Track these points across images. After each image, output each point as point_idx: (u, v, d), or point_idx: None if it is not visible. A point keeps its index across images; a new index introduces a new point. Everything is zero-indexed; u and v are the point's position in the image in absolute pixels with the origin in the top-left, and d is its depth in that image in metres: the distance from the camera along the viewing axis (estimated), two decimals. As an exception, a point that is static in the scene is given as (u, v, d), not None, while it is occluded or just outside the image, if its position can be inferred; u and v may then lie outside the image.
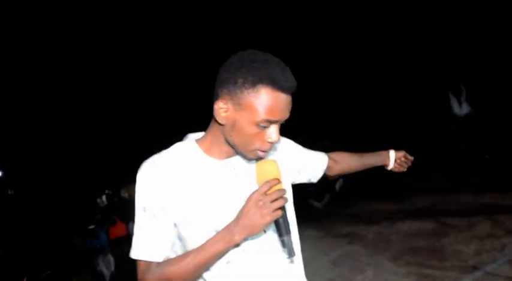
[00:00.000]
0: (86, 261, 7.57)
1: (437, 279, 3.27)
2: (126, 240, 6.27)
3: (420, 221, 4.86)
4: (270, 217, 0.94)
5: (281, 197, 0.95)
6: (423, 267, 3.59)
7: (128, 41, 9.52)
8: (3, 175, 11.48)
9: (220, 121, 1.00)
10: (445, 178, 6.44)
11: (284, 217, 0.98)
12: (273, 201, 0.94)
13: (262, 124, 0.96)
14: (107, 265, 7.32)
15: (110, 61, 9.84)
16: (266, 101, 0.95)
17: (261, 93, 0.94)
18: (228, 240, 0.97)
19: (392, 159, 1.49)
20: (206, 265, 1.00)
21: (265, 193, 0.95)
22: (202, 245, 1.00)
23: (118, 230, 7.17)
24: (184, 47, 10.86)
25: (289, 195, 1.18)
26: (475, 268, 3.27)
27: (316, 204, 7.90)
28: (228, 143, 1.04)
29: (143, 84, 10.94)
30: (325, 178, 5.18)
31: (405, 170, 1.53)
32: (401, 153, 1.51)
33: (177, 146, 1.11)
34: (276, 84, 0.94)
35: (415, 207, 5.48)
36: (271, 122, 0.97)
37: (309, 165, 1.34)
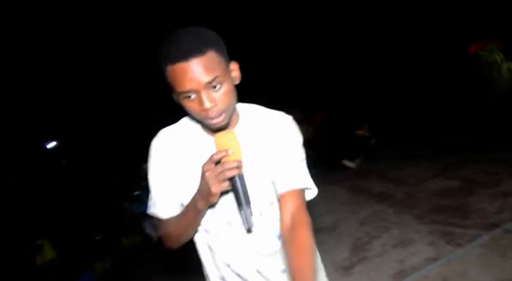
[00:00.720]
0: (134, 225, 8.17)
1: (457, 236, 3.42)
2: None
3: (448, 179, 4.93)
4: (218, 186, 1.00)
5: (232, 168, 0.99)
6: (446, 225, 3.74)
7: (128, 40, 9.64)
8: (58, 144, 12.16)
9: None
10: (474, 134, 6.34)
11: (237, 188, 1.02)
12: (223, 171, 0.99)
13: (185, 96, 0.99)
14: (153, 227, 7.93)
15: (112, 58, 10.00)
16: (172, 78, 0.98)
17: (167, 73, 0.98)
18: (194, 208, 1.10)
19: None
20: (189, 228, 1.18)
21: (217, 163, 1.00)
22: (182, 211, 1.19)
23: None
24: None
25: (257, 171, 1.17)
26: (495, 225, 3.39)
27: (349, 164, 8.02)
28: None
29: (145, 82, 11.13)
30: (356, 136, 5.35)
31: None
32: None
33: (184, 120, 1.25)
34: (169, 59, 0.96)
35: (445, 164, 5.50)
36: (190, 91, 0.98)
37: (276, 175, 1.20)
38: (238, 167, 1.00)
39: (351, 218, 4.99)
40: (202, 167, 1.02)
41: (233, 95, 1.06)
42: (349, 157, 8.13)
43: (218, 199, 1.12)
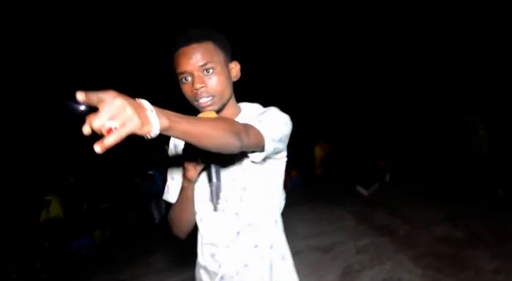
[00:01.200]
0: (141, 202, 8.35)
1: (447, 286, 3.41)
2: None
3: (454, 228, 4.88)
4: (188, 163, 1.19)
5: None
6: (439, 272, 3.73)
7: (130, 38, 9.83)
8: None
9: None
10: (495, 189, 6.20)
11: (210, 166, 1.13)
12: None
13: (182, 77, 1.16)
14: (158, 209, 8.11)
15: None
16: (176, 62, 1.16)
17: (173, 60, 1.18)
18: (182, 188, 1.28)
19: None
20: (183, 212, 1.32)
21: None
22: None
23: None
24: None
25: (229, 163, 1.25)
26: (488, 284, 3.36)
27: (362, 191, 7.98)
28: None
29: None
30: (376, 166, 5.33)
31: None
32: None
33: None
34: (175, 46, 1.17)
35: (455, 213, 5.44)
36: (185, 73, 1.15)
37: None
38: None
39: (348, 244, 5.00)
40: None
41: (226, 85, 1.18)
42: (364, 184, 8.10)
43: (205, 186, 1.27)
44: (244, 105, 1.35)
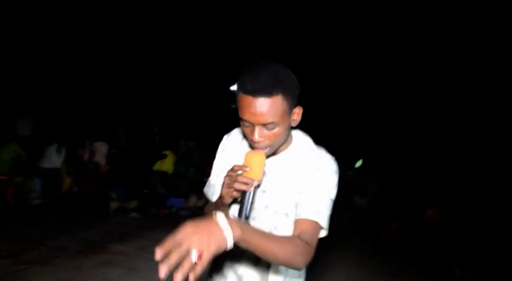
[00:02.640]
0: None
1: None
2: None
3: None
4: (227, 191, 1.16)
5: (241, 182, 1.11)
6: None
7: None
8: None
9: None
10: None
11: (243, 201, 1.13)
12: (235, 181, 1.12)
13: (244, 122, 1.13)
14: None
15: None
16: (240, 103, 1.10)
17: (238, 97, 1.11)
18: (215, 203, 1.29)
19: None
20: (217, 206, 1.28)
21: (235, 171, 1.14)
22: (215, 202, 1.33)
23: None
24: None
25: (272, 193, 1.26)
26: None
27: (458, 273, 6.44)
28: None
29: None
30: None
31: None
32: None
33: None
34: (242, 88, 1.08)
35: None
36: (247, 122, 1.11)
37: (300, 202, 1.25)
38: (247, 185, 1.11)
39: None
40: (227, 171, 1.18)
41: (284, 135, 1.17)
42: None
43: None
44: (297, 137, 1.33)
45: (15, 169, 6.81)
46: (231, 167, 1.22)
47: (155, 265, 0.80)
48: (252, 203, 1.15)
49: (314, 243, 1.16)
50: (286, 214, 1.24)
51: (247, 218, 1.14)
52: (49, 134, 8.20)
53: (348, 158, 10.78)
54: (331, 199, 1.23)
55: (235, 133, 1.41)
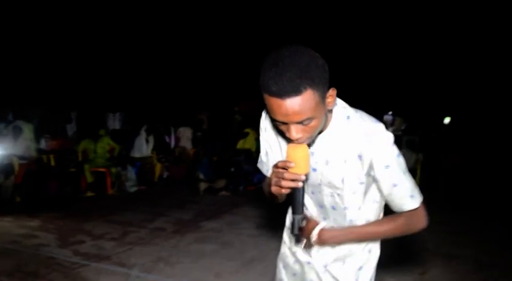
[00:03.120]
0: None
1: None
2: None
3: None
4: (275, 188, 1.09)
5: (288, 179, 1.05)
6: None
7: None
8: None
9: None
10: None
11: (294, 196, 1.11)
12: (281, 179, 1.06)
13: (277, 122, 1.04)
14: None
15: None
16: (268, 105, 1.01)
17: (264, 97, 1.01)
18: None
19: None
20: (271, 197, 1.25)
21: (280, 168, 1.08)
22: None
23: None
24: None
25: (322, 170, 1.22)
26: None
27: None
28: None
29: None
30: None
31: None
32: None
33: None
34: (266, 90, 0.97)
35: None
36: (281, 122, 1.02)
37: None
38: (295, 181, 1.05)
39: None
40: (272, 168, 1.14)
41: (323, 122, 1.08)
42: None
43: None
44: (338, 112, 1.19)
45: (111, 160, 7.31)
46: (276, 144, 1.27)
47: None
48: (301, 196, 1.11)
49: (420, 213, 1.21)
50: (342, 181, 1.20)
51: (300, 213, 1.12)
52: (137, 126, 8.66)
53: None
54: (405, 173, 1.17)
55: None
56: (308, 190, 1.29)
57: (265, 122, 1.35)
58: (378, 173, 1.14)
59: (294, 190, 1.09)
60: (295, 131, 1.02)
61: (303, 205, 1.13)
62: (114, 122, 9.59)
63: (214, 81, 12.07)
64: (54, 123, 7.50)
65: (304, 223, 1.19)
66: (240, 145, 8.46)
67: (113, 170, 7.19)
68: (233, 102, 11.22)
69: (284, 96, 0.94)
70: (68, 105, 8.83)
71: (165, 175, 8.41)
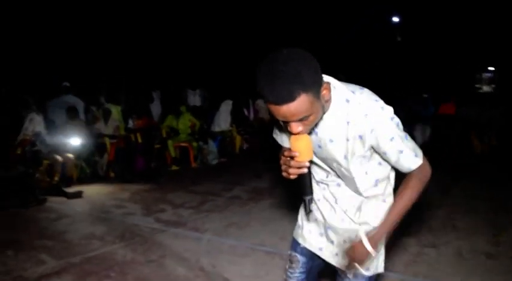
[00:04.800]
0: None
1: None
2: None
3: None
4: (285, 174, 1.22)
5: (294, 167, 1.17)
6: None
7: None
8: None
9: None
10: None
11: (301, 181, 1.24)
12: (289, 167, 1.18)
13: (279, 121, 1.15)
14: (422, 133, 8.38)
15: None
16: (267, 106, 1.09)
17: (264, 100, 1.08)
18: None
19: None
20: None
21: (286, 157, 1.20)
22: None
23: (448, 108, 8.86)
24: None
25: (327, 147, 1.30)
26: None
27: None
28: None
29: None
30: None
31: None
32: None
33: None
34: (263, 97, 1.05)
35: None
36: (282, 120, 1.12)
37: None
38: (301, 168, 1.17)
39: None
40: (280, 155, 1.28)
41: (320, 114, 1.16)
42: None
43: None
44: (338, 93, 1.24)
45: (192, 135, 7.65)
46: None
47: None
48: (308, 180, 1.25)
49: (425, 164, 1.30)
50: (345, 157, 1.29)
51: (309, 194, 1.26)
52: (214, 101, 8.92)
53: None
54: (406, 137, 1.25)
55: None
56: (319, 162, 1.40)
57: None
58: (384, 147, 1.23)
59: (300, 176, 1.21)
60: (295, 127, 1.11)
61: (311, 187, 1.27)
62: (195, 99, 9.98)
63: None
64: (139, 104, 8.00)
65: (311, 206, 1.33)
66: None
67: (195, 144, 7.53)
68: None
69: (279, 103, 1.02)
70: (150, 85, 9.40)
71: (245, 146, 8.61)
